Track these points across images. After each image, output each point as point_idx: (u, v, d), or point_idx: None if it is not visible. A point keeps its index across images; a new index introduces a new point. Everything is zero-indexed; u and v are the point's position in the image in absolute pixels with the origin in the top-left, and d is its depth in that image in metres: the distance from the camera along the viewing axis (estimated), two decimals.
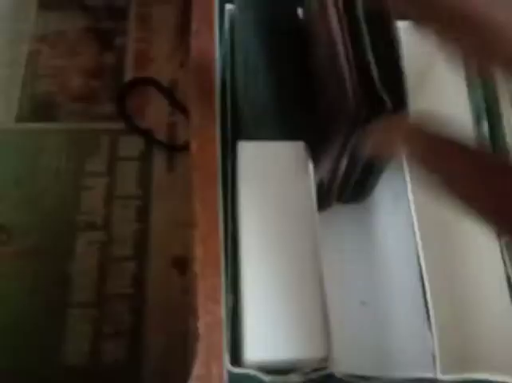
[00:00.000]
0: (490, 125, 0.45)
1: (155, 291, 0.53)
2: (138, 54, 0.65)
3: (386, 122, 0.31)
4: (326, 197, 0.50)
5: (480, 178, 0.22)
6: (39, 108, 0.62)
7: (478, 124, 0.46)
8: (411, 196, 0.45)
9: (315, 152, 0.44)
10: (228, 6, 0.49)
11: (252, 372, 0.32)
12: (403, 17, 0.47)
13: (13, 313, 0.52)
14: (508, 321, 0.41)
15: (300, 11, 0.48)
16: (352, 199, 0.52)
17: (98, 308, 0.53)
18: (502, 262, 0.42)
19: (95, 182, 0.58)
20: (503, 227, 0.22)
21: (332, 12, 0.42)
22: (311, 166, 0.43)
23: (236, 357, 0.34)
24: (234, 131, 0.42)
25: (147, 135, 0.60)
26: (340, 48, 0.40)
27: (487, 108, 0.47)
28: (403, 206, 0.45)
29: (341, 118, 0.38)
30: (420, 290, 0.40)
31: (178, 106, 0.62)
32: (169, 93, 0.63)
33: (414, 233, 0.43)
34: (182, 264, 0.55)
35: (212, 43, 0.37)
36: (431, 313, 0.39)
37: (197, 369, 0.28)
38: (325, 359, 0.32)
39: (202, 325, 0.29)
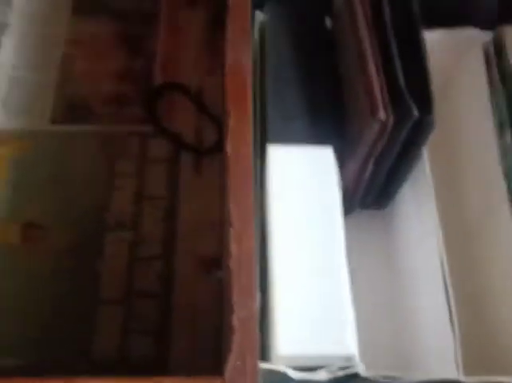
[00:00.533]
0: None
1: (181, 291, 0.55)
2: (167, 59, 0.67)
3: None
4: (350, 202, 0.52)
5: None
6: (72, 111, 0.64)
7: (501, 132, 0.47)
8: (434, 203, 0.46)
9: (341, 157, 0.45)
10: (258, 14, 0.51)
11: (281, 368, 0.33)
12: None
13: (46, 309, 0.54)
14: None
15: (327, 20, 0.50)
16: (374, 205, 0.53)
17: (126, 306, 0.54)
18: None
19: (124, 182, 0.60)
20: None
21: (361, 20, 0.43)
22: (337, 171, 0.44)
23: (263, 353, 0.36)
24: (263, 134, 0.44)
25: (175, 138, 0.62)
26: (369, 55, 0.41)
27: (510, 116, 0.48)
28: (427, 211, 0.46)
29: (369, 125, 0.40)
30: (444, 293, 0.41)
31: (205, 111, 0.64)
32: (196, 99, 0.64)
33: (437, 239, 0.44)
34: (208, 264, 0.56)
35: (248, 53, 0.39)
36: (454, 316, 0.40)
37: (232, 362, 0.29)
38: (352, 357, 0.33)
39: (236, 320, 0.30)
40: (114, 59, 0.67)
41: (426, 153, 0.46)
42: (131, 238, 0.57)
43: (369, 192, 0.51)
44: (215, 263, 0.56)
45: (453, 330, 0.39)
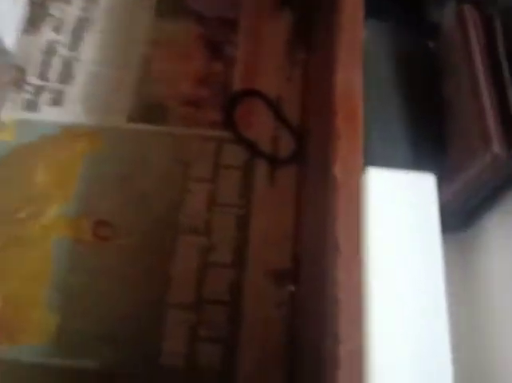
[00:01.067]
0: None
1: (251, 301, 0.54)
2: (246, 66, 0.67)
3: None
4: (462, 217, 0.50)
5: None
6: (149, 110, 0.64)
7: None
8: None
9: (440, 180, 0.44)
10: None
11: None
12: None
13: (115, 309, 0.54)
14: None
15: (430, 43, 0.49)
16: (457, 226, 0.52)
17: (195, 311, 0.54)
18: None
19: (198, 187, 0.60)
20: None
21: (474, 43, 0.42)
22: (436, 196, 0.43)
23: None
24: (363, 156, 0.43)
25: (251, 145, 0.62)
26: (482, 79, 0.40)
27: None
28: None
29: (479, 155, 0.39)
30: None
31: (282, 120, 0.63)
32: (275, 107, 0.64)
33: None
34: (279, 277, 0.55)
35: (359, 73, 0.38)
36: None
37: None
38: None
39: (343, 351, 0.29)
40: (194, 62, 0.67)
41: None
42: (204, 243, 0.57)
43: (455, 215, 0.50)
44: (287, 276, 0.55)
45: None
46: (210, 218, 0.58)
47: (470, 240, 0.52)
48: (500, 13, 0.45)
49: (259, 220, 0.58)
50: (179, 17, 0.69)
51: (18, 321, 0.53)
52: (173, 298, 0.54)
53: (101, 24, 0.69)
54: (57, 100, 0.64)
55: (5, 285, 0.55)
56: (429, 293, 0.37)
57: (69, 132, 0.63)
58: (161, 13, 0.70)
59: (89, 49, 0.68)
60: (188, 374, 0.51)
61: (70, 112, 0.64)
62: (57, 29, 0.68)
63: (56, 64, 0.66)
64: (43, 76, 0.66)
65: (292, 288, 0.54)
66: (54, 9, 0.70)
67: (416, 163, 0.42)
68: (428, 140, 0.43)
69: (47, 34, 0.68)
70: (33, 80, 0.65)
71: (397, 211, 0.39)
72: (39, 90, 0.65)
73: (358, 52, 0.39)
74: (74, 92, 0.65)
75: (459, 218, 0.50)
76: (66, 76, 0.66)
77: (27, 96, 0.64)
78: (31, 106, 0.64)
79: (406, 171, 0.41)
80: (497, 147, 0.37)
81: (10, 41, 0.65)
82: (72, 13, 0.70)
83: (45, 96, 0.64)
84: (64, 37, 0.68)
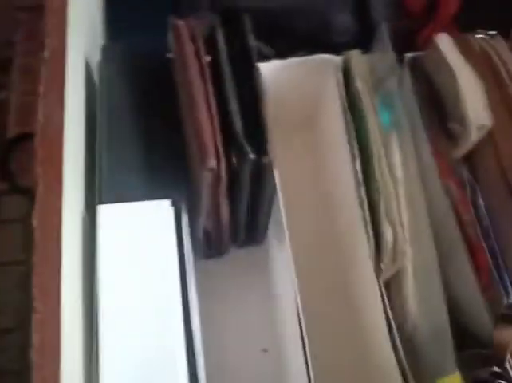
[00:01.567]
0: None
1: None
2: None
3: None
4: (218, 243, 0.48)
5: None
6: None
7: (354, 162, 0.45)
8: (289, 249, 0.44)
9: (191, 206, 0.42)
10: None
11: None
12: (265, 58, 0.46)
13: None
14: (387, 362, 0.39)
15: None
16: (250, 242, 0.51)
17: None
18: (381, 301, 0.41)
19: None
20: None
21: (191, 57, 0.40)
22: (187, 221, 0.41)
23: None
24: (98, 194, 0.40)
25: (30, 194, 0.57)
26: (200, 98, 0.38)
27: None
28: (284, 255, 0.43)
29: (202, 174, 0.37)
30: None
31: None
32: None
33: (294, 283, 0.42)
34: None
35: (61, 108, 0.35)
36: (310, 361, 0.38)
37: None
38: None
39: None
40: None
41: (280, 193, 0.43)
42: None
43: (237, 232, 0.49)
44: None
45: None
46: None
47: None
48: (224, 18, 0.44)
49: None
50: None
51: None
52: None
53: None
54: None
55: None
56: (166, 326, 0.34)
57: None
58: None
59: None
60: None
61: None
62: None
63: None
64: None
65: None
66: None
67: (157, 192, 0.40)
68: (169, 165, 0.41)
69: None
70: None
71: (131, 243, 0.37)
72: None
73: (59, 86, 0.36)
74: None
75: (245, 235, 0.49)
76: None
77: None
78: None
79: (142, 201, 0.39)
80: (213, 162, 0.36)
81: None
82: None
83: None
84: None
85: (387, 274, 0.42)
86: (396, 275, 0.42)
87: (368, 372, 0.41)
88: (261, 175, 0.40)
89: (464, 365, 0.36)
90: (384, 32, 0.43)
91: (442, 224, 0.39)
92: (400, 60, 0.45)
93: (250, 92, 0.40)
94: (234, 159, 0.38)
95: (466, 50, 0.41)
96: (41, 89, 0.36)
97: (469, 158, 0.42)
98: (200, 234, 0.44)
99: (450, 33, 0.43)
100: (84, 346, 0.33)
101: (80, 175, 0.39)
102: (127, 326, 0.34)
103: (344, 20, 0.53)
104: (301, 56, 0.50)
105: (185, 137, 0.41)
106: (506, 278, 0.37)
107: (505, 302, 0.36)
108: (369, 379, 0.41)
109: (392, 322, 0.40)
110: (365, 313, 0.43)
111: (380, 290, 0.41)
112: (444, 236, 0.39)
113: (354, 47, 0.48)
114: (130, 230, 0.37)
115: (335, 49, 0.50)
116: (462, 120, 0.40)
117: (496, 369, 0.35)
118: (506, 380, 0.35)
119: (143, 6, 0.50)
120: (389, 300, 0.40)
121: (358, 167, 0.43)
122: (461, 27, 0.52)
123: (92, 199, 0.40)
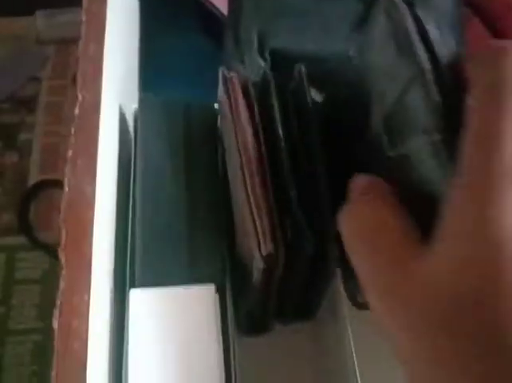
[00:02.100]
0: None
1: None
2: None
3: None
4: (262, 322, 0.43)
5: None
6: None
7: None
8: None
9: (235, 284, 0.37)
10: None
11: None
12: None
13: None
14: None
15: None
16: (297, 320, 0.45)
17: None
18: None
19: None
20: None
21: (244, 118, 0.34)
22: (218, 312, 0.34)
23: None
24: (130, 274, 0.34)
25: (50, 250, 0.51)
26: (254, 169, 0.32)
27: None
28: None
29: (255, 260, 0.30)
30: None
31: None
32: None
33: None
34: None
35: (93, 178, 0.29)
36: None
37: None
38: None
39: None
40: None
41: None
42: None
43: (284, 313, 0.43)
44: None
45: None
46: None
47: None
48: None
49: None
50: None
51: None
52: None
53: None
54: None
55: None
56: None
57: None
58: None
59: None
60: None
61: None
62: None
63: None
64: None
65: None
66: None
67: (199, 270, 0.33)
68: (214, 246, 0.34)
69: None
70: None
71: (167, 327, 0.31)
72: None
73: (90, 153, 0.30)
74: None
75: (292, 313, 0.44)
76: None
77: None
78: None
79: (184, 286, 0.33)
80: (269, 246, 0.29)
81: None
82: None
83: None
84: None
85: None
86: None
87: None
88: (322, 258, 0.34)
89: None
90: None
91: None
92: None
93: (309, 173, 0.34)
94: (291, 242, 0.32)
95: None
96: (70, 154, 0.31)
97: None
98: (243, 314, 0.39)
99: None
100: None
101: (109, 255, 0.33)
102: None
103: None
104: None
105: (232, 208, 0.35)
106: None
107: None
108: None
109: None
110: None
111: None
112: None
113: None
114: (167, 320, 0.31)
115: None
116: None
117: None
118: None
119: (182, 54, 0.45)
120: None
121: None
122: None
123: (122, 279, 0.34)
